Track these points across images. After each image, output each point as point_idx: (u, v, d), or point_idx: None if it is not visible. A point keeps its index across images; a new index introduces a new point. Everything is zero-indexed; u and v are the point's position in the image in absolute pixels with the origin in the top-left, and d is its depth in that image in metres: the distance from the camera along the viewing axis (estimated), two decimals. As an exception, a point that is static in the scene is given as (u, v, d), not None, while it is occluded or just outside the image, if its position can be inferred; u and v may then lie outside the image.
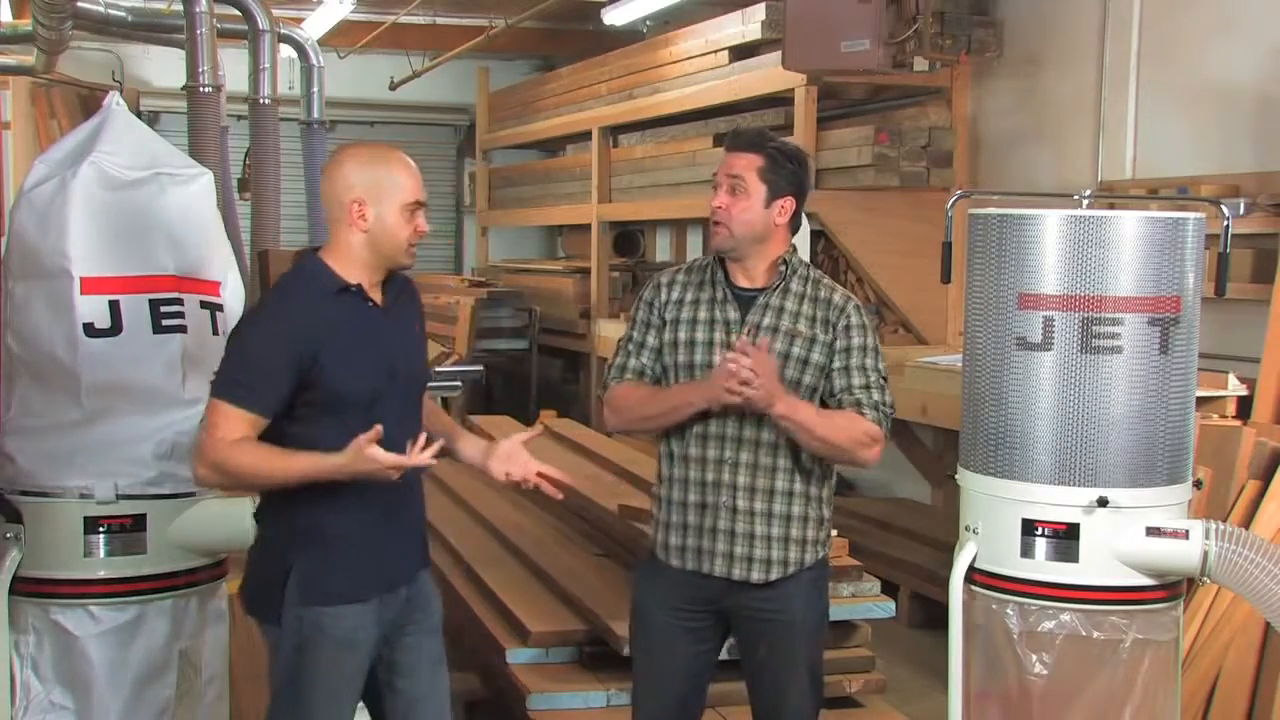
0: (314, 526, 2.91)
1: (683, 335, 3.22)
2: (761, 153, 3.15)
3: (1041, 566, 2.93)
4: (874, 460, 3.14)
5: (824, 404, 3.17)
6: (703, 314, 3.22)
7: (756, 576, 3.17)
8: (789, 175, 3.16)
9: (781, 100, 7.72)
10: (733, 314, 3.20)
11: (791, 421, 3.04)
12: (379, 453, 2.76)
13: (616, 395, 3.26)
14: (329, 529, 2.92)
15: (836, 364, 3.16)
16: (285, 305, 2.94)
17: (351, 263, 2.92)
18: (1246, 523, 4.06)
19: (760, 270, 3.22)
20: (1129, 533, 2.90)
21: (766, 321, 3.18)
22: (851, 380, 3.13)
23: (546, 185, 11.29)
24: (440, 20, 10.78)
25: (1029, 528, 2.94)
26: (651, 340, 3.26)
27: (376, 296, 2.98)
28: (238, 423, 2.81)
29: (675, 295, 3.26)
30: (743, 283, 3.23)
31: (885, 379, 3.17)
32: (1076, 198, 2.97)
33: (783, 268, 3.20)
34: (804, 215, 3.30)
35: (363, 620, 2.96)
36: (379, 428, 2.78)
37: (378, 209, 2.89)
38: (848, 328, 3.15)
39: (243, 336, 2.92)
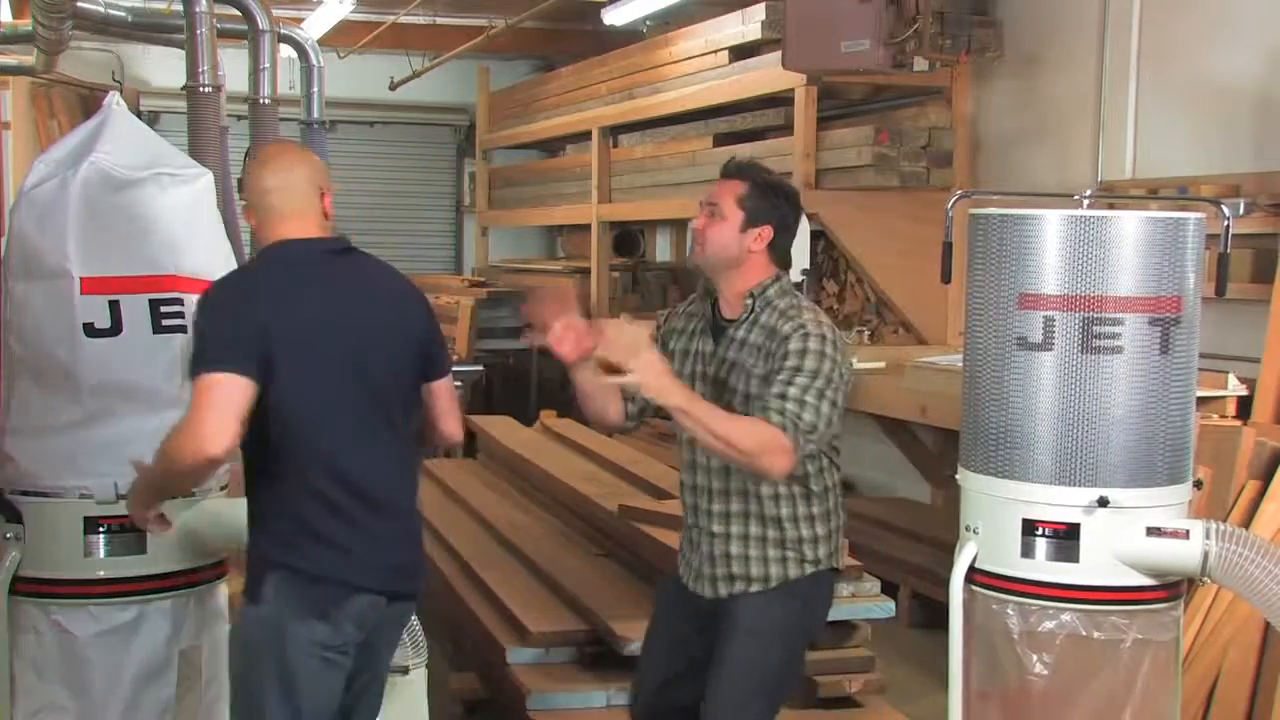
0: None
1: (675, 366, 3.22)
2: (745, 180, 3.20)
3: (1042, 566, 2.93)
4: (779, 472, 2.99)
5: None
6: (689, 344, 3.29)
7: (719, 592, 3.23)
8: (770, 207, 3.19)
9: (781, 100, 7.71)
10: (708, 346, 3.25)
11: (689, 416, 2.95)
12: None
13: None
14: None
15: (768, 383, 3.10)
16: None
17: None
18: (1246, 523, 4.06)
19: (733, 298, 3.22)
20: (1129, 533, 2.89)
21: (730, 354, 3.20)
22: (770, 389, 3.03)
23: (546, 185, 11.28)
24: (440, 20, 10.78)
25: (1029, 528, 2.93)
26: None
27: None
28: None
29: (678, 324, 3.35)
30: (726, 313, 3.25)
31: (817, 401, 3.00)
32: (1077, 198, 2.97)
33: (749, 300, 3.18)
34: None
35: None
36: None
37: None
38: (785, 354, 3.06)
39: None
